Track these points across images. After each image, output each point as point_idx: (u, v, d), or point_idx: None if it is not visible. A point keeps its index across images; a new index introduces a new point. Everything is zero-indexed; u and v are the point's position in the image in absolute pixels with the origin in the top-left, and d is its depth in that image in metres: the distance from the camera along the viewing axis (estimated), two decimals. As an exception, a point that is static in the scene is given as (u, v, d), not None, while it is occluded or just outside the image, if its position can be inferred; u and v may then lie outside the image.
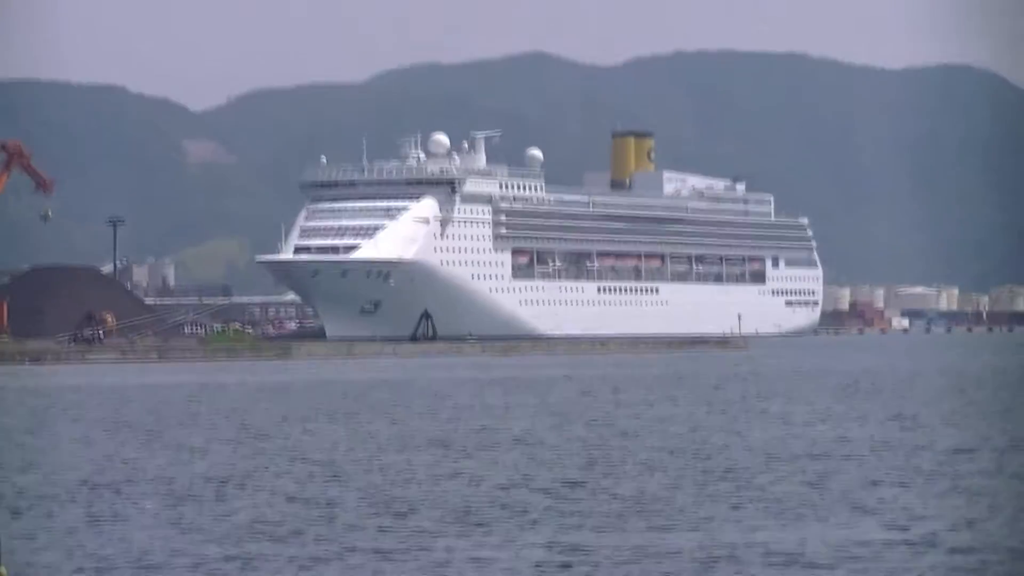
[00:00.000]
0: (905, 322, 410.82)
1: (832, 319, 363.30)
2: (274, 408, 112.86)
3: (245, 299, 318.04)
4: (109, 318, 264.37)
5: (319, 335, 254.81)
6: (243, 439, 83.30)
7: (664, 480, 60.38)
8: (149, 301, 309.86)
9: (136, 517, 50.43)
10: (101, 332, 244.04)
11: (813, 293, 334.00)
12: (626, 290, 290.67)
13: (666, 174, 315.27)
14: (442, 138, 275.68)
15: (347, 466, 68.97)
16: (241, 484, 59.86)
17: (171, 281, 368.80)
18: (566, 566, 38.67)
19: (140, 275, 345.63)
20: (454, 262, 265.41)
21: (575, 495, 54.59)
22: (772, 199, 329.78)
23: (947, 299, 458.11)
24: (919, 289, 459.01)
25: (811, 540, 43.39)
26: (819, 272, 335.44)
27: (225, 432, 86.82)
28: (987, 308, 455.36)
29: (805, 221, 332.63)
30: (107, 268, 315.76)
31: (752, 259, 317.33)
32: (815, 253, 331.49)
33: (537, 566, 38.84)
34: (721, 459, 67.54)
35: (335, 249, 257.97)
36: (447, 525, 46.54)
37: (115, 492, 57.41)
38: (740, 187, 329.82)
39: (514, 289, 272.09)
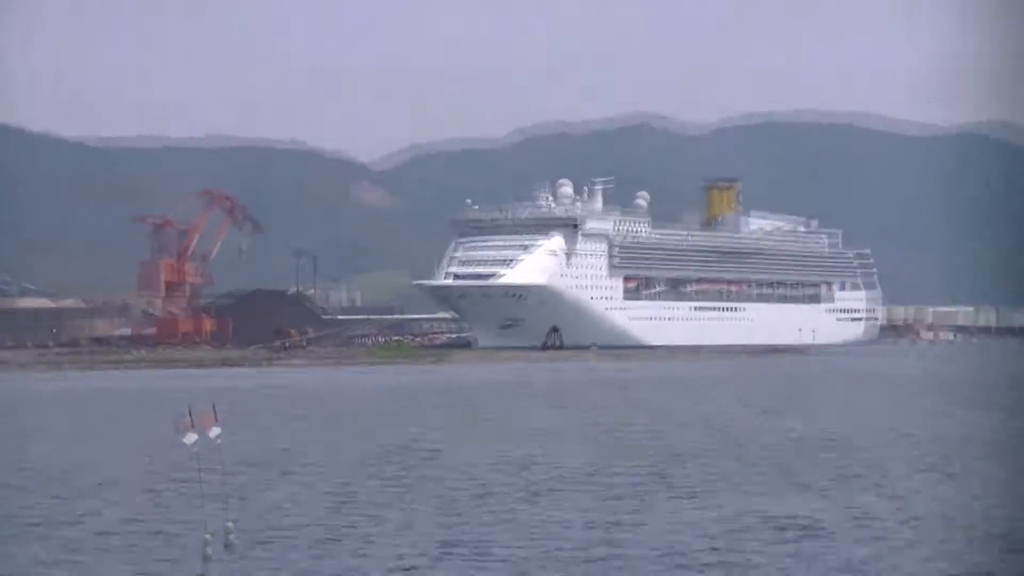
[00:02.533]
0: (951, 335, 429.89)
1: (891, 332, 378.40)
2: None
3: (409, 317, 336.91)
4: (293, 333, 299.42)
5: (467, 344, 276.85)
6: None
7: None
8: (329, 318, 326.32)
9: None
10: (287, 343, 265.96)
11: (873, 311, 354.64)
12: (715, 309, 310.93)
13: (751, 214, 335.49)
14: (567, 187, 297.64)
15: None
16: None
17: (357, 301, 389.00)
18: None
19: (325, 296, 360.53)
20: (576, 287, 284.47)
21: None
22: (840, 233, 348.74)
23: (985, 317, 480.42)
24: (962, 308, 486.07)
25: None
26: (879, 293, 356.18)
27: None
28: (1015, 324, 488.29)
29: (868, 251, 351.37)
30: (308, 290, 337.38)
31: (819, 283, 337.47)
32: (876, 278, 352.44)
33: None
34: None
35: (480, 276, 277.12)
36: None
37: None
38: (814, 223, 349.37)
39: (625, 308, 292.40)
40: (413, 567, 36.23)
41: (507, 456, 67.83)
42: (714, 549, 39.17)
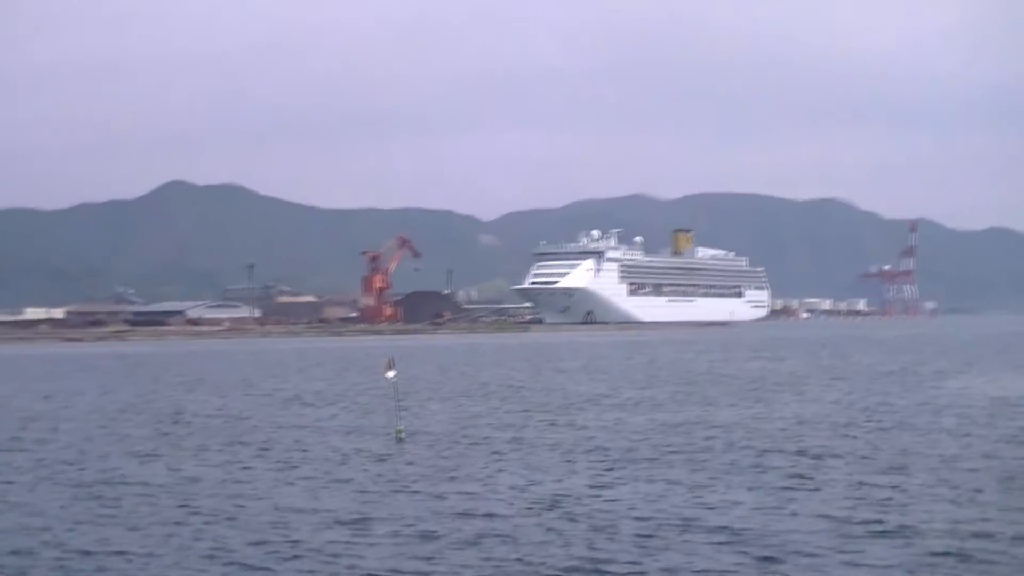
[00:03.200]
0: (806, 314, 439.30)
1: (775, 314, 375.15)
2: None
3: (506, 306, 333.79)
4: (445, 314, 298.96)
5: (540, 321, 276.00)
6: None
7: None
8: (463, 306, 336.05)
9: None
10: (442, 320, 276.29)
11: (767, 302, 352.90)
12: (679, 301, 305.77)
13: (700, 248, 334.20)
14: (595, 233, 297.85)
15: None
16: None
17: (477, 297, 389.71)
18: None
19: (459, 294, 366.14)
20: (601, 288, 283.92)
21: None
22: (748, 259, 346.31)
23: (830, 304, 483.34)
24: (813, 299, 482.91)
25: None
26: (769, 292, 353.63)
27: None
28: (844, 308, 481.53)
29: (763, 268, 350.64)
30: (448, 291, 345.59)
31: (738, 286, 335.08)
32: (767, 283, 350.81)
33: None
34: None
35: (548, 282, 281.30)
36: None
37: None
38: (733, 253, 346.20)
39: (628, 301, 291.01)
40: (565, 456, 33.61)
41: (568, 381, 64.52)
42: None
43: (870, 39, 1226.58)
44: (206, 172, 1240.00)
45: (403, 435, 36.21)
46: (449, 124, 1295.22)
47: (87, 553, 20.51)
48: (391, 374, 37.58)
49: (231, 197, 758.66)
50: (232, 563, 19.54)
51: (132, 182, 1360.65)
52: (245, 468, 30.67)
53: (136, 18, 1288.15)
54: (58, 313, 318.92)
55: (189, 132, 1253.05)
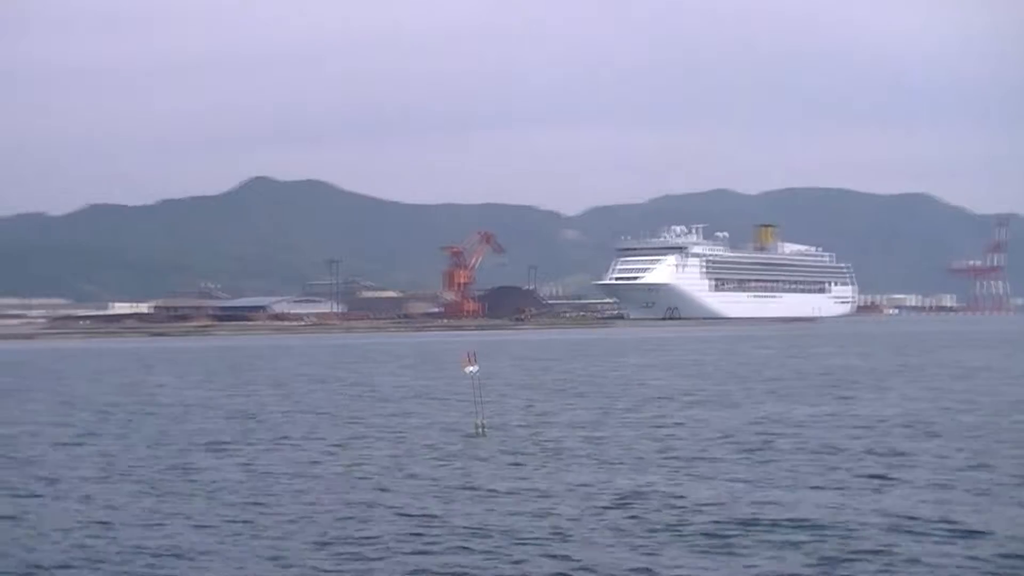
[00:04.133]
0: (892, 311, 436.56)
1: (861, 310, 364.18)
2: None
3: (589, 301, 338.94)
4: (528, 310, 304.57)
5: (622, 317, 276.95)
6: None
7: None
8: (545, 301, 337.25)
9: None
10: (524, 316, 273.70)
11: (853, 298, 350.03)
12: (762, 297, 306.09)
13: (784, 244, 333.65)
14: (679, 227, 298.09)
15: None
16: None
17: (559, 292, 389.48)
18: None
19: (541, 289, 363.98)
20: (684, 284, 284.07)
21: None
22: (834, 254, 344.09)
23: (915, 300, 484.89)
24: (899, 295, 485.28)
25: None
26: (852, 288, 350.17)
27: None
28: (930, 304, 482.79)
29: (849, 264, 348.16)
30: (530, 286, 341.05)
31: (823, 282, 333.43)
32: (853, 279, 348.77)
33: None
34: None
35: (631, 277, 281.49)
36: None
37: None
38: (819, 248, 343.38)
39: (711, 296, 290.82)
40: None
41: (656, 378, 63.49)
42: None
43: (949, 31, 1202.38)
44: (289, 168, 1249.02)
45: (484, 430, 36.34)
46: (532, 119, 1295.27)
47: (152, 551, 20.60)
48: (472, 369, 37.80)
49: (314, 193, 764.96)
50: (292, 565, 19.54)
51: (216, 178, 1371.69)
52: (314, 463, 30.92)
53: (223, 14, 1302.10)
54: (144, 308, 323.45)
55: (273, 128, 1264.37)
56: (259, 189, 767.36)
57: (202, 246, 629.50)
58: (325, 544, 20.79)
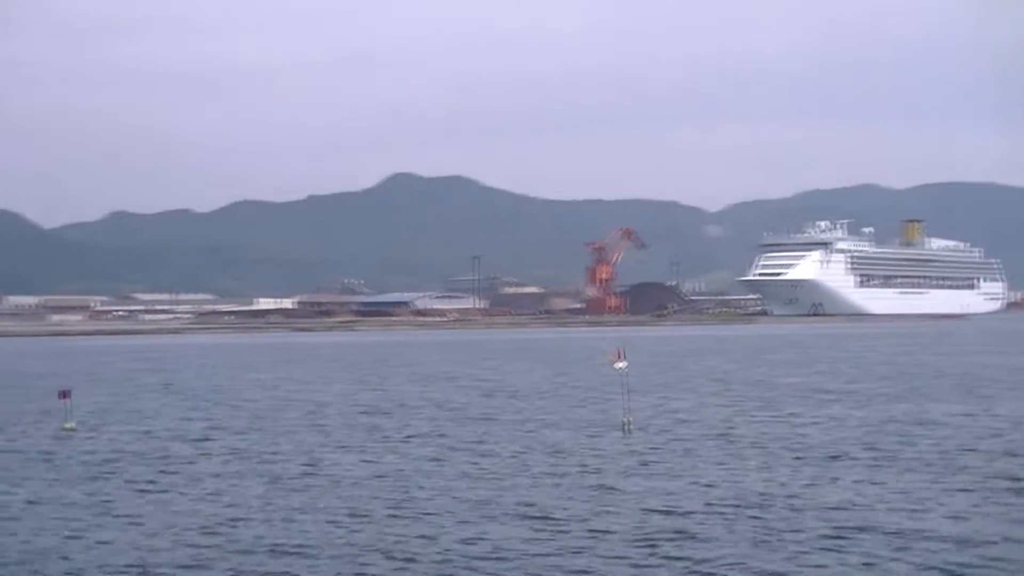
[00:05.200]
0: None
1: (1012, 307, 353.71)
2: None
3: (732, 297, 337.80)
4: (670, 306, 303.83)
5: (766, 313, 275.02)
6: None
7: None
8: (687, 297, 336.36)
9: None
10: (666, 312, 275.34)
11: (1002, 294, 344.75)
12: (908, 293, 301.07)
13: (931, 239, 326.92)
14: (824, 223, 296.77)
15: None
16: None
17: (701, 288, 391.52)
18: None
19: (683, 286, 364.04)
20: (829, 280, 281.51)
21: None
22: (982, 250, 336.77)
23: None
24: None
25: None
26: (1003, 284, 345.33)
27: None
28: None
29: (999, 260, 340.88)
30: (672, 282, 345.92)
31: (972, 278, 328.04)
32: (1003, 275, 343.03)
33: None
34: None
35: (774, 273, 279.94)
36: None
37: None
38: (968, 244, 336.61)
39: (856, 292, 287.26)
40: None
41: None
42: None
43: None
44: (432, 164, 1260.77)
45: (631, 427, 36.07)
46: (675, 115, 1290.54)
47: (273, 548, 20.51)
48: (621, 365, 37.94)
49: (456, 188, 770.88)
50: (411, 560, 19.45)
51: (360, 174, 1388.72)
52: (436, 461, 30.82)
53: (366, 12, 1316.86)
54: (288, 303, 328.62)
55: (417, 124, 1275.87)
56: (402, 185, 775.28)
57: (345, 242, 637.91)
58: (474, 541, 20.82)
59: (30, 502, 25.83)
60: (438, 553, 19.97)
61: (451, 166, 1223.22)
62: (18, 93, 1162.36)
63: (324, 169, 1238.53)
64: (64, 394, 39.95)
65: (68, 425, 38.72)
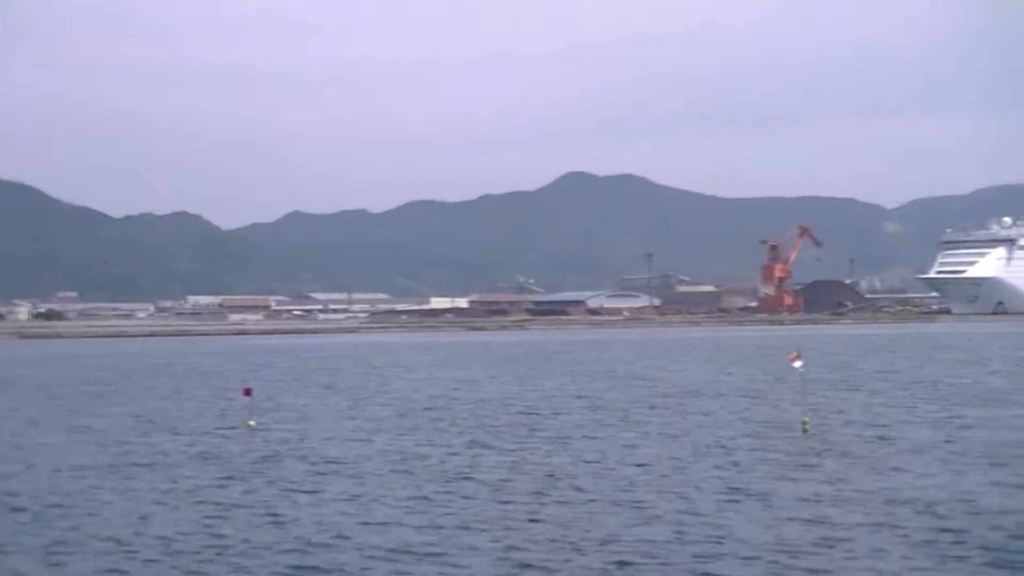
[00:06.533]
0: None
1: None
2: None
3: (910, 295, 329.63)
4: (847, 304, 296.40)
5: (947, 312, 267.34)
6: None
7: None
8: (864, 296, 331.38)
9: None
10: (844, 310, 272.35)
11: None
12: None
13: None
14: (1007, 219, 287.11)
15: None
16: None
17: (878, 286, 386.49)
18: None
19: (860, 283, 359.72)
20: (1012, 278, 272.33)
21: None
22: None
23: None
24: None
25: None
26: None
27: None
28: None
29: None
30: (847, 280, 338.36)
31: None
32: None
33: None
34: None
35: (955, 271, 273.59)
36: None
37: None
38: None
39: None
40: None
41: None
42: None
43: None
44: (605, 162, 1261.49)
45: (809, 427, 35.30)
46: (852, 110, 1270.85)
47: (413, 553, 19.60)
48: (798, 364, 37.57)
49: (629, 187, 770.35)
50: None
51: (533, 173, 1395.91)
52: (583, 460, 30.10)
53: (537, 8, 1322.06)
54: (462, 302, 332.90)
55: (590, 123, 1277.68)
56: (575, 184, 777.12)
57: (518, 241, 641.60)
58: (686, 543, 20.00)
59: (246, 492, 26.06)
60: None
61: (623, 164, 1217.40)
62: (187, 97, 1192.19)
63: (497, 168, 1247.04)
64: (247, 392, 41.27)
65: (250, 422, 39.66)
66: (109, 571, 18.86)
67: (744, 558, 18.68)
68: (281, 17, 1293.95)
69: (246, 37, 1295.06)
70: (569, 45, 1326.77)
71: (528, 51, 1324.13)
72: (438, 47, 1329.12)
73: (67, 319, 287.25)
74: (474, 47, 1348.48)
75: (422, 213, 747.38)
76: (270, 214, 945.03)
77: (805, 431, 34.67)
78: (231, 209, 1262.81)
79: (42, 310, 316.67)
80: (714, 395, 51.31)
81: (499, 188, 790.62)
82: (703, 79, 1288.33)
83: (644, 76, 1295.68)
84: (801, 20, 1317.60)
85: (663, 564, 18.43)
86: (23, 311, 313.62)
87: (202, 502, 24.80)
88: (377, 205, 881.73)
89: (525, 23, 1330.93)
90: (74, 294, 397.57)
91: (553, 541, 20.11)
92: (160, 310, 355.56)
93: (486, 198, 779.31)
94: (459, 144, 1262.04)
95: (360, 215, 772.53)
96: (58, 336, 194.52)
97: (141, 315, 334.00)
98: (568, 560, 18.76)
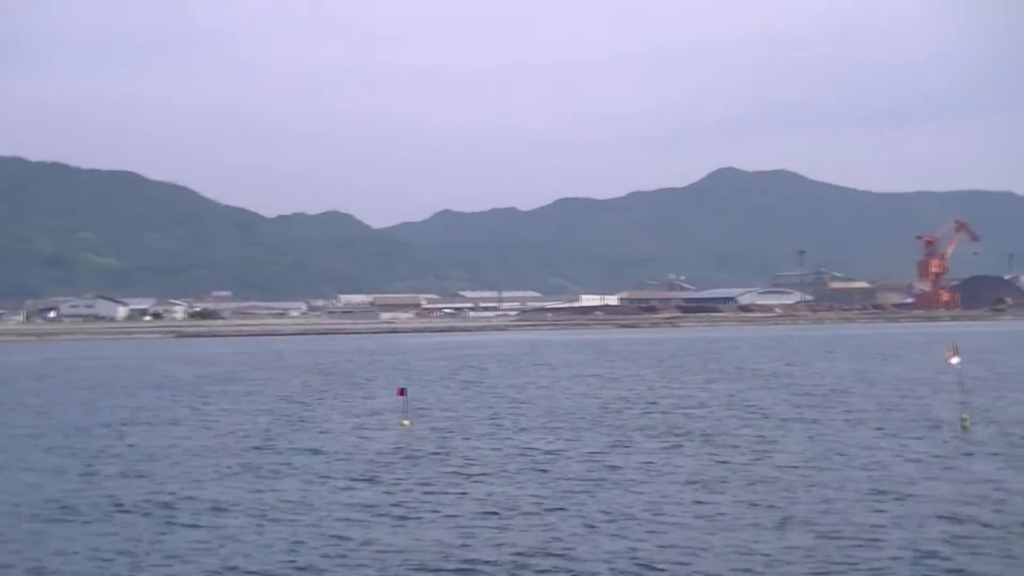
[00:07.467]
0: None
1: None
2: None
3: None
4: (1007, 300, 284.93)
5: None
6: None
7: None
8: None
9: None
10: (1003, 306, 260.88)
11: None
12: None
13: None
14: None
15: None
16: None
17: None
18: None
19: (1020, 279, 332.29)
20: None
21: None
22: None
23: None
24: None
25: None
26: None
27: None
28: None
29: None
30: (1008, 275, 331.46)
31: None
32: None
33: None
34: None
35: None
36: None
37: None
38: None
39: None
40: None
41: None
42: None
43: None
44: (756, 158, 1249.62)
45: (968, 423, 34.60)
46: (1009, 101, 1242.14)
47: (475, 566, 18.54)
48: (955, 360, 37.12)
49: (781, 183, 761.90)
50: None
51: (683, 170, 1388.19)
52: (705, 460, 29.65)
53: (686, 4, 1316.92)
54: (612, 300, 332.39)
55: (741, 118, 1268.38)
56: (725, 180, 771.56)
57: (668, 238, 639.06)
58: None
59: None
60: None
61: (774, 160, 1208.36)
62: (338, 99, 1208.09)
63: (646, 165, 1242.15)
64: (401, 392, 41.43)
65: (404, 421, 39.76)
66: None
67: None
68: (429, 18, 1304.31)
69: (397, 41, 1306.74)
70: (718, 40, 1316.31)
71: (680, 45, 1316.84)
72: (577, 44, 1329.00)
73: (222, 318, 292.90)
74: (619, 45, 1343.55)
75: (571, 210, 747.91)
76: (420, 213, 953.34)
77: (965, 428, 34.10)
78: (381, 208, 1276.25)
79: (198, 309, 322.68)
80: (885, 389, 50.89)
81: (648, 185, 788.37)
82: (852, 73, 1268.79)
83: (793, 69, 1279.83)
84: (958, 13, 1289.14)
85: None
86: (179, 310, 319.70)
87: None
88: (526, 203, 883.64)
89: (676, 20, 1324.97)
90: (228, 293, 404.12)
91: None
92: (312, 308, 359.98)
93: (636, 195, 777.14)
94: (608, 141, 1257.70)
95: (510, 213, 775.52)
96: (213, 335, 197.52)
97: (294, 313, 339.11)
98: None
